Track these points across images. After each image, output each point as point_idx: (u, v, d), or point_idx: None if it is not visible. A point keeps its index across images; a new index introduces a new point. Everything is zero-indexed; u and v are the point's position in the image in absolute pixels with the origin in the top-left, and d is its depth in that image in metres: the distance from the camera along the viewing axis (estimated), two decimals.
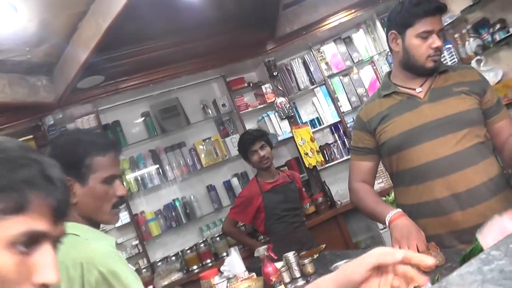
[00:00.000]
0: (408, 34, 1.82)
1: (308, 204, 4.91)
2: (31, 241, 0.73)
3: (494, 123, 1.86)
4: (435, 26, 1.79)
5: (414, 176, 1.85)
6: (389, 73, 2.04)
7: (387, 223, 1.78)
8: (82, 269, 1.28)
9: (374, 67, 5.17)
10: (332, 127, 5.32)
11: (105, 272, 1.27)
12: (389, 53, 5.07)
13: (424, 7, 1.77)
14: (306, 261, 2.30)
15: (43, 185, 0.75)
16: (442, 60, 3.85)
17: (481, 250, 1.30)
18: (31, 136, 4.39)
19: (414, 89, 1.88)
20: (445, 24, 4.34)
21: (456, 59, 4.40)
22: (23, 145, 0.79)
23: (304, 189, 5.14)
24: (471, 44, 4.18)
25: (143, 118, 4.93)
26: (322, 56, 5.21)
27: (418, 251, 1.62)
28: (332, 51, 5.21)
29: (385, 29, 1.99)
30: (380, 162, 2.07)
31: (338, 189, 5.14)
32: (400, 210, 1.81)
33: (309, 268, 2.28)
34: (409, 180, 1.88)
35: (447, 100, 1.82)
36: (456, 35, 4.44)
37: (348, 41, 5.24)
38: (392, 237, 1.73)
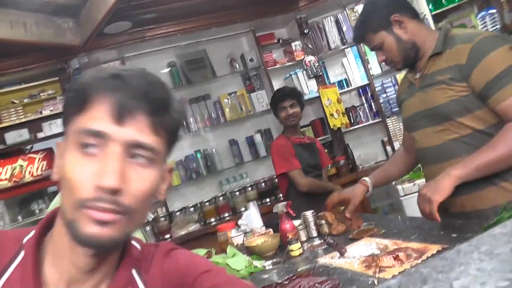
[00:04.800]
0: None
1: (329, 166, 4.86)
2: (98, 142, 0.72)
3: (493, 106, 1.60)
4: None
5: (419, 158, 1.98)
6: None
7: None
8: None
9: None
10: (360, 90, 5.18)
11: None
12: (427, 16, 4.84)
13: None
14: (323, 221, 2.27)
15: (107, 83, 0.73)
16: (482, 27, 3.55)
17: None
18: (56, 78, 4.39)
19: (415, 74, 1.86)
20: None
21: (498, 26, 4.15)
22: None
23: (326, 150, 5.10)
24: None
25: (169, 69, 4.88)
26: (356, 16, 5.01)
27: None
28: None
29: None
30: None
31: (361, 153, 5.07)
32: (365, 178, 2.12)
33: (326, 229, 2.26)
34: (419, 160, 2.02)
35: (429, 91, 1.75)
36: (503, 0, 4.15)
37: None
38: None
